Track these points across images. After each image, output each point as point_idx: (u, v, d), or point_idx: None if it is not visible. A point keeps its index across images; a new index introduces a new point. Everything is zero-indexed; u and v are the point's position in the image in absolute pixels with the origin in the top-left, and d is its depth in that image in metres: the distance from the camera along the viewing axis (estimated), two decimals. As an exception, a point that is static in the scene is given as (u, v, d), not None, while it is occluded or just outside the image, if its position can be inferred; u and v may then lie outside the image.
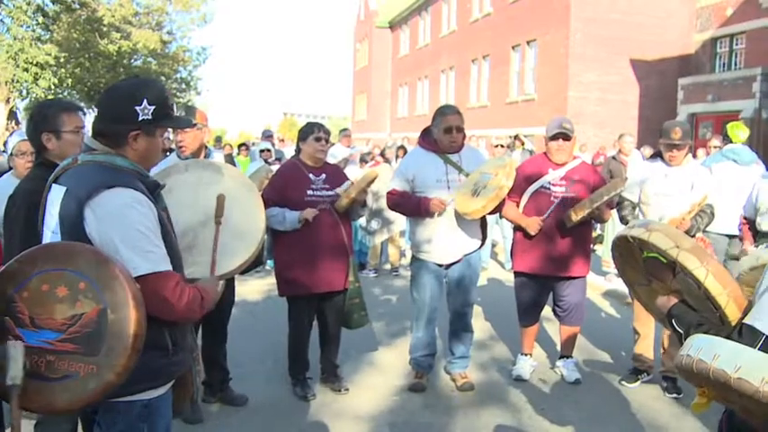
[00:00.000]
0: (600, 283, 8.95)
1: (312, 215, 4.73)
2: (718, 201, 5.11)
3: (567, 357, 5.56)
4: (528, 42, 26.75)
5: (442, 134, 4.93)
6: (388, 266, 10.07)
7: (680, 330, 2.25)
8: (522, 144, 11.74)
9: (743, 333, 1.98)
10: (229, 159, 4.89)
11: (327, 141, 5.04)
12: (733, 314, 2.17)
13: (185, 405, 2.63)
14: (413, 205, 4.97)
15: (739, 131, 6.33)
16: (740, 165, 6.12)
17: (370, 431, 4.56)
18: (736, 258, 4.86)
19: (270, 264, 8.10)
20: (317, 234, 4.80)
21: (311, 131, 4.93)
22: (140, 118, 2.34)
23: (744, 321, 2.02)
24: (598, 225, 9.08)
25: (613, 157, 9.39)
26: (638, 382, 5.38)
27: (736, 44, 23.41)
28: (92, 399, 2.09)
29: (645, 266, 2.53)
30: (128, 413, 2.27)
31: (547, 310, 5.72)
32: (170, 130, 4.32)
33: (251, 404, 4.84)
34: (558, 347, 5.73)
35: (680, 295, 2.37)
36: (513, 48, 27.98)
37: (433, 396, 5.12)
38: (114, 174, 2.30)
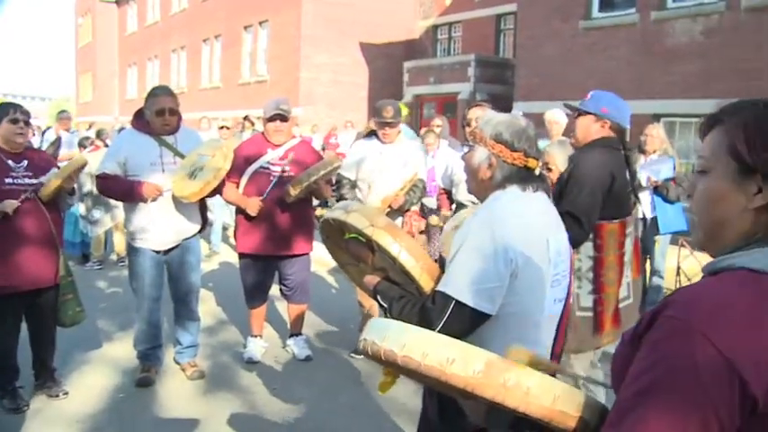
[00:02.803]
0: (329, 258, 9.13)
1: (12, 208, 4.26)
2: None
3: (298, 335, 5.65)
4: (260, 23, 26.65)
5: (155, 116, 4.71)
6: (114, 257, 9.48)
7: (384, 305, 2.34)
8: (253, 125, 11.68)
9: (436, 300, 2.11)
10: None
11: (28, 123, 4.58)
12: (427, 284, 2.30)
13: None
14: (125, 190, 4.70)
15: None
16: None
17: (91, 434, 4.27)
18: (441, 228, 5.22)
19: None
20: (20, 227, 4.33)
21: (5, 113, 4.43)
22: None
23: (436, 288, 2.15)
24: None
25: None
26: (366, 353, 5.60)
27: (455, 32, 25.44)
28: None
29: (347, 247, 2.60)
30: None
31: (276, 290, 5.76)
32: None
33: (-57, 429, 4.25)
34: (289, 326, 5.79)
35: (385, 272, 2.45)
36: (245, 28, 27.70)
37: (162, 389, 4.92)
38: None
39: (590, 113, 3.60)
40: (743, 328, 1.05)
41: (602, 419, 1.20)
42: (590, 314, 3.53)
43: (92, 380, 5.08)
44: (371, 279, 2.45)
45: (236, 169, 5.02)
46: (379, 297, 2.37)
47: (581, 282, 3.51)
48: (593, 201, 3.39)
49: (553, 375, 2.36)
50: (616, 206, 3.51)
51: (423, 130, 7.29)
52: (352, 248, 2.55)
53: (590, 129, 3.60)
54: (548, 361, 1.58)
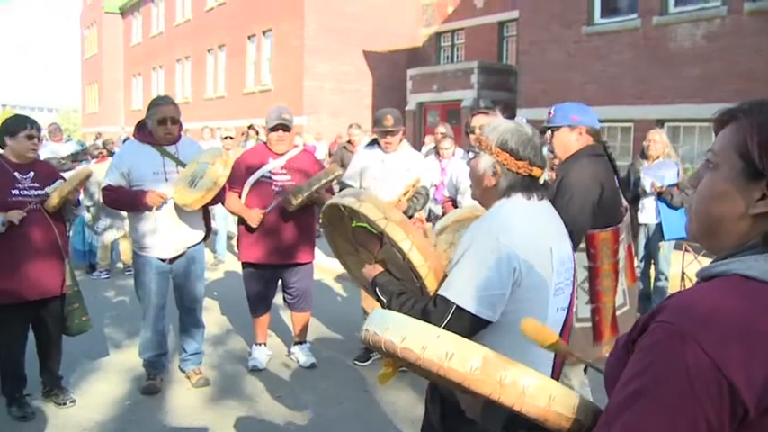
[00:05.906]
0: (334, 266, 9.16)
1: (18, 217, 4.31)
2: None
3: (302, 342, 5.67)
4: (264, 32, 26.74)
5: (157, 126, 4.76)
6: (120, 266, 9.52)
7: (383, 299, 2.34)
8: (257, 134, 11.73)
9: (437, 303, 2.12)
10: None
11: (40, 139, 4.67)
12: (432, 285, 2.31)
13: None
14: (129, 200, 4.76)
15: None
16: None
17: (98, 441, 4.30)
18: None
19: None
20: (26, 237, 4.39)
21: (22, 128, 4.47)
22: None
23: (438, 292, 2.17)
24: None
25: (344, 147, 9.65)
26: (370, 360, 5.60)
27: (457, 39, 25.50)
28: None
29: (353, 235, 2.60)
30: None
31: (280, 298, 5.78)
32: None
33: (-47, 435, 4.30)
34: (293, 334, 5.81)
35: (384, 265, 2.46)
36: (248, 38, 27.80)
37: (167, 397, 4.95)
38: None
39: (562, 127, 3.60)
40: (734, 336, 1.05)
41: (597, 422, 1.21)
42: (588, 324, 3.52)
43: (99, 387, 5.13)
44: (372, 269, 2.44)
45: (239, 179, 5.08)
46: (377, 289, 2.36)
47: (577, 293, 3.50)
48: (583, 212, 3.37)
49: (565, 359, 2.36)
50: (607, 215, 3.49)
51: (439, 136, 7.28)
52: (360, 237, 2.55)
53: (569, 141, 3.58)
54: (563, 343, 1.58)
